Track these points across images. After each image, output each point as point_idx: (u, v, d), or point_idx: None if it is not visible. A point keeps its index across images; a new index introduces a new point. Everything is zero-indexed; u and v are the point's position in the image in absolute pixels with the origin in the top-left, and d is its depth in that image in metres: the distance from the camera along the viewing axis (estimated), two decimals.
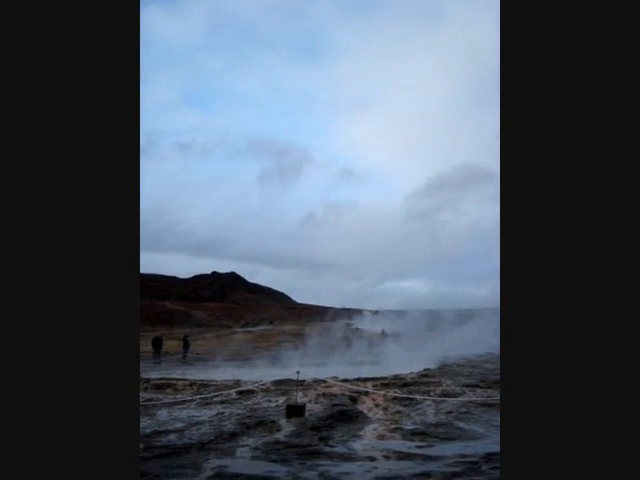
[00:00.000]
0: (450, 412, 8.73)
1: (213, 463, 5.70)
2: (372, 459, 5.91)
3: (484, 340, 22.55)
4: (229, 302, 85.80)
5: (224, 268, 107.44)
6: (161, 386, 12.09)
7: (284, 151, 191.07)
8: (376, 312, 44.25)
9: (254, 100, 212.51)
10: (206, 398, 10.18)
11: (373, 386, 11.09)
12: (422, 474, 5.20)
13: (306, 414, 8.31)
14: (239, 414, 8.63)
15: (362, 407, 9.27)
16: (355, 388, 10.47)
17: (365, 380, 12.00)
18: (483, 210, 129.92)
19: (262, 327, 49.16)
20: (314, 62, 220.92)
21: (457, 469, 5.39)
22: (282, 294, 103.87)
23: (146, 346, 23.14)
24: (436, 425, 7.82)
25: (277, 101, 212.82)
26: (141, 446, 6.00)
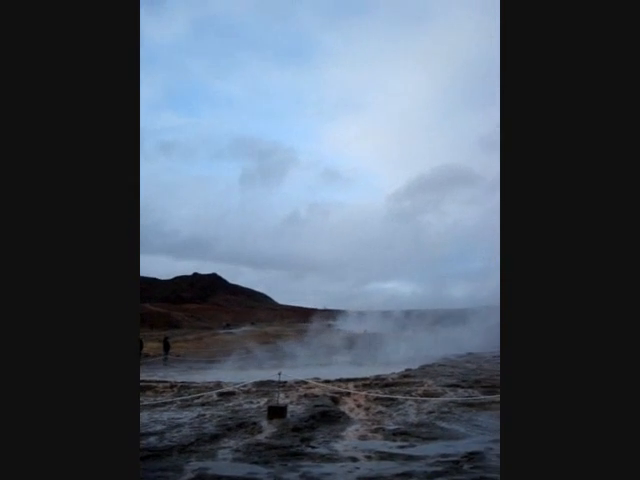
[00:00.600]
0: (431, 412, 8.78)
1: (194, 465, 5.65)
2: (354, 459, 5.92)
3: (472, 339, 22.81)
4: (210, 304, 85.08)
5: (205, 269, 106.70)
6: (141, 388, 11.94)
7: (268, 152, 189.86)
8: (361, 313, 44.43)
9: (238, 102, 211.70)
10: (187, 400, 10.08)
11: (355, 387, 11.10)
12: (404, 474, 5.22)
13: (288, 415, 8.29)
14: (220, 416, 8.56)
15: (344, 408, 9.28)
16: (337, 389, 10.47)
17: (347, 381, 12.01)
18: (464, 211, 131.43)
19: (244, 328, 48.86)
20: (299, 64, 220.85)
21: (439, 469, 5.42)
22: (264, 295, 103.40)
23: None
24: (418, 425, 7.86)
25: (262, 103, 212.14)
26: None
